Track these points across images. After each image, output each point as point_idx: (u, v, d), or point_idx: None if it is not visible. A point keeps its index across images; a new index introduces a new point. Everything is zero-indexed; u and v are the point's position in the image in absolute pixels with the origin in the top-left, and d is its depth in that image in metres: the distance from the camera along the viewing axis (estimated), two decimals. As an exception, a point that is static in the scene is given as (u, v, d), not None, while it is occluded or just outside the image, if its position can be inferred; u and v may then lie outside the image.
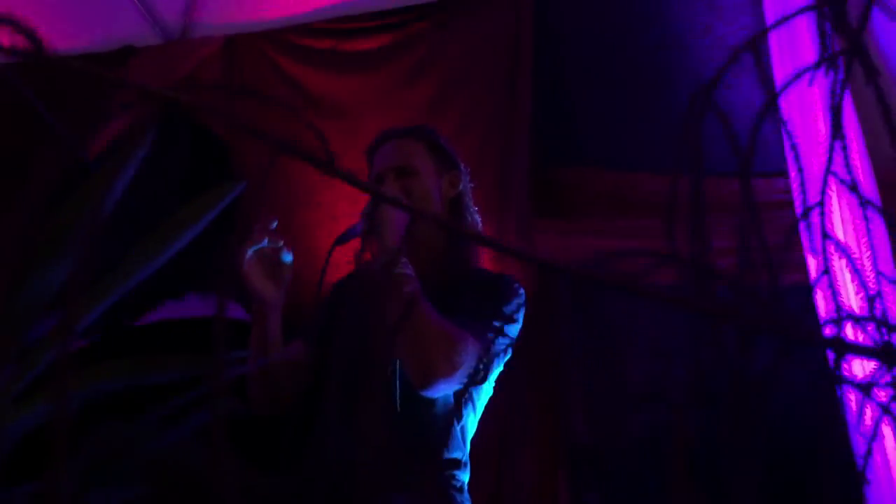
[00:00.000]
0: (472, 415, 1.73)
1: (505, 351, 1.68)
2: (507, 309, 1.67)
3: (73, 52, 2.54)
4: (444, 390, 1.59)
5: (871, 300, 0.49)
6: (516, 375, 2.46)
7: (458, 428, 1.70)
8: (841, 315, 0.47)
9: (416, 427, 1.62)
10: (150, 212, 2.19)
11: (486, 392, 1.77)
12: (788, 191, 2.26)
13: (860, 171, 1.67)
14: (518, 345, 2.41)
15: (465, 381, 1.61)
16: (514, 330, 1.68)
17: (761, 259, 0.50)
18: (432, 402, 1.62)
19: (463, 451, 1.70)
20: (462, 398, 1.70)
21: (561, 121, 2.59)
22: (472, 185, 1.90)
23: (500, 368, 1.73)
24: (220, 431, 0.50)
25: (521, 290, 1.73)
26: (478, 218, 1.87)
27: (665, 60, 2.50)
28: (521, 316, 1.71)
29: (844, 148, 0.55)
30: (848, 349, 0.38)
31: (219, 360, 0.53)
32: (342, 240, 1.62)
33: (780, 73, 2.09)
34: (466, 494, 1.68)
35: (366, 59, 2.62)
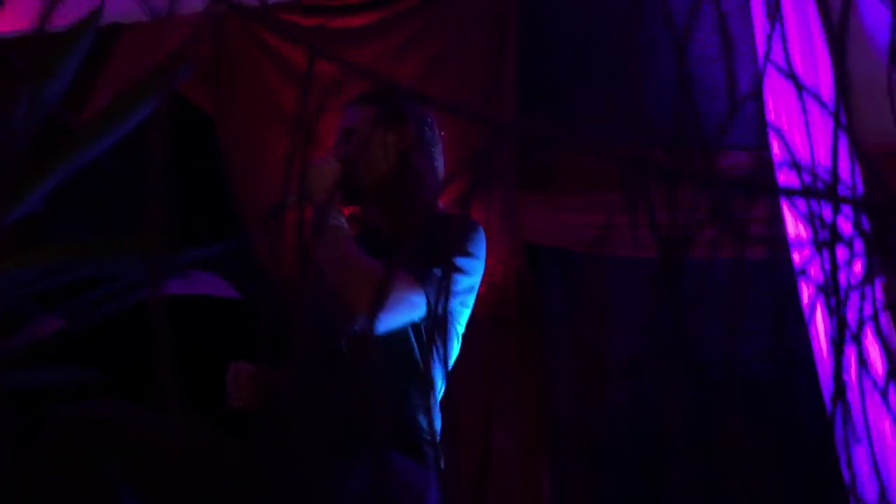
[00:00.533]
0: (437, 363, 1.74)
1: (463, 288, 1.70)
2: (463, 245, 1.70)
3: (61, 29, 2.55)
4: (384, 328, 1.61)
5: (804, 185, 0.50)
6: (500, 349, 2.47)
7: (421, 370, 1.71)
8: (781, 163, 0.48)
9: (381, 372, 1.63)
10: (137, 185, 2.19)
11: (451, 337, 1.78)
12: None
13: (823, 78, 1.73)
14: (502, 317, 2.43)
15: (407, 317, 1.63)
16: (472, 265, 1.71)
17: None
18: (393, 346, 1.65)
19: (431, 396, 1.71)
20: (419, 340, 1.72)
21: (547, 95, 2.61)
22: (441, 133, 1.92)
23: (466, 311, 1.74)
24: (160, 312, 0.51)
25: (479, 227, 1.76)
26: (440, 164, 1.88)
27: (651, 33, 2.51)
28: (480, 252, 1.73)
29: (783, 36, 0.56)
30: (780, 192, 0.39)
31: (161, 248, 0.54)
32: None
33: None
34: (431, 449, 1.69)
35: (353, 36, 2.63)
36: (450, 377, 1.83)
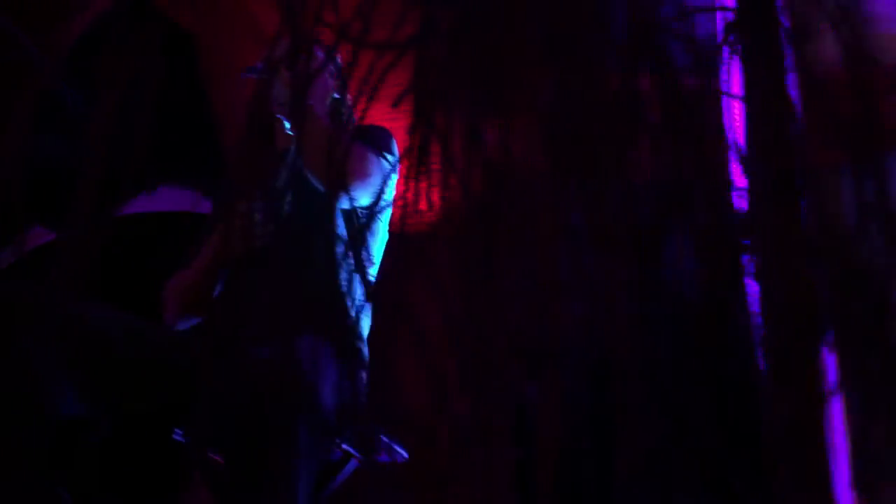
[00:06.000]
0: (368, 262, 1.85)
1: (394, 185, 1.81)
2: (386, 145, 1.87)
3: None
4: (355, 197, 1.70)
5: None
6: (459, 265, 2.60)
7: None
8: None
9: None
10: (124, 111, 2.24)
11: (379, 240, 1.90)
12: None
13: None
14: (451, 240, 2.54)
15: (375, 193, 1.74)
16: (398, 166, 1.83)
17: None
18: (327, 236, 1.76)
19: (359, 295, 1.81)
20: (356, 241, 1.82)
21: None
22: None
23: (390, 214, 1.85)
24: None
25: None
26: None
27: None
28: (397, 152, 1.89)
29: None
30: None
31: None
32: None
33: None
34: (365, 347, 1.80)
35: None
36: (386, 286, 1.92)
